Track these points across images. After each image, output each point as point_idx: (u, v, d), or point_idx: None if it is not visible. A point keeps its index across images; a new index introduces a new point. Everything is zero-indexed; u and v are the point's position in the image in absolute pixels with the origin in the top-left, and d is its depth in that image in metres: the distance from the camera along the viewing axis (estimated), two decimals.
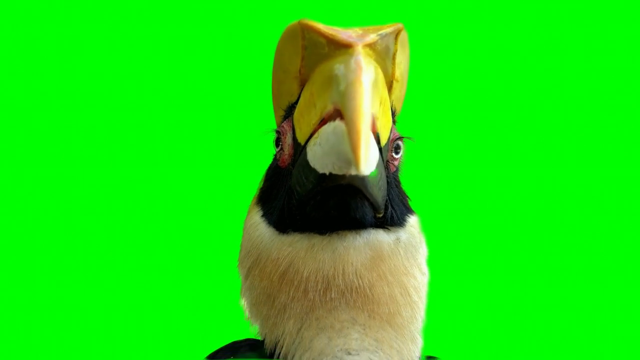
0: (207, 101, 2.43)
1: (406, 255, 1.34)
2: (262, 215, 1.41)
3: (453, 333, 2.25)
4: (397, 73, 1.33)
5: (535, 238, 2.45)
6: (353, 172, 1.16)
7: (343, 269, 1.29)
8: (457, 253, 2.34)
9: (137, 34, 2.47)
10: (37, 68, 2.45)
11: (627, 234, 2.46)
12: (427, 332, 1.49)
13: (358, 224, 1.30)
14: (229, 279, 1.56)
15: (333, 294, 1.30)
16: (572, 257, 2.45)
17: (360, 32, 1.24)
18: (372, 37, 1.22)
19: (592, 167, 2.50)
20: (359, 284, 1.29)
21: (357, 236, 1.31)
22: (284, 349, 1.37)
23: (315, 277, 1.30)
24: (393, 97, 1.36)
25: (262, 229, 1.39)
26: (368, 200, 1.27)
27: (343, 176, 1.19)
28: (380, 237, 1.32)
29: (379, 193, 1.28)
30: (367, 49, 1.21)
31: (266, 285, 1.37)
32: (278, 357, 1.38)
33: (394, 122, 1.38)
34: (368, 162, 1.08)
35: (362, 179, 1.20)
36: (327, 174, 1.20)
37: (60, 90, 2.46)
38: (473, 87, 2.47)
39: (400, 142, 1.38)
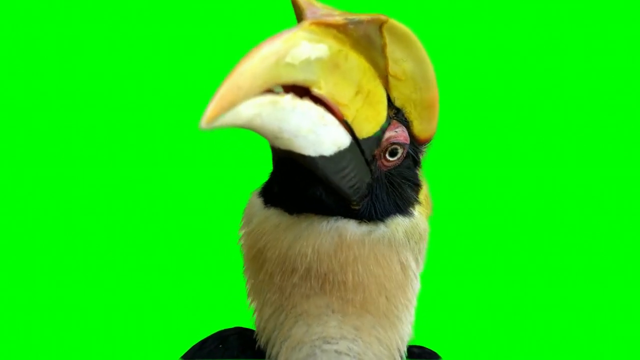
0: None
1: (379, 247, 1.30)
2: (263, 186, 1.40)
3: (454, 331, 2.22)
4: (397, 70, 1.26)
5: (536, 239, 2.40)
6: (280, 145, 1.16)
7: (302, 252, 1.27)
8: (459, 253, 2.31)
9: (137, 34, 2.52)
10: (33, 68, 2.52)
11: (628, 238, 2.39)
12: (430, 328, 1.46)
13: (325, 209, 1.28)
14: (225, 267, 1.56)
15: (296, 279, 1.28)
16: (572, 258, 2.40)
17: (337, 14, 1.21)
18: (334, 19, 1.18)
19: (589, 166, 2.46)
20: (320, 269, 1.27)
21: (324, 222, 1.28)
22: (264, 337, 1.36)
23: (277, 259, 1.29)
24: (395, 94, 1.29)
25: (254, 198, 1.39)
26: (323, 183, 1.23)
27: (277, 147, 1.19)
28: (349, 225, 1.29)
29: (342, 181, 1.24)
30: (333, 30, 1.17)
31: (246, 265, 1.38)
32: (260, 345, 1.37)
33: (405, 124, 1.32)
34: (215, 121, 1.04)
35: (303, 157, 1.18)
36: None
37: (59, 91, 2.52)
38: (473, 88, 2.44)
39: (398, 148, 1.31)
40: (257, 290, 1.36)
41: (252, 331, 1.43)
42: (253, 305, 1.40)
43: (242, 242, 1.39)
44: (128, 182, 2.43)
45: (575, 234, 2.42)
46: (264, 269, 1.32)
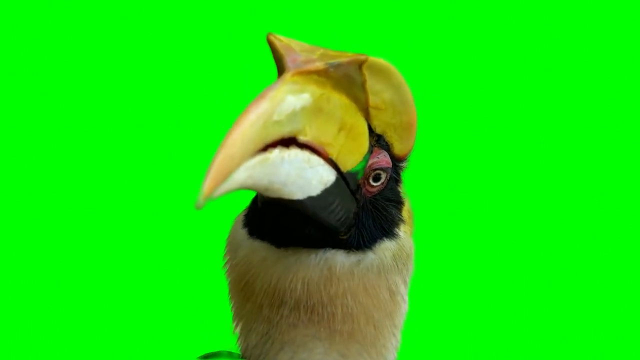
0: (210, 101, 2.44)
1: (368, 277, 1.31)
2: (246, 215, 1.40)
3: (448, 336, 2.24)
4: (377, 101, 1.26)
5: (534, 241, 2.43)
6: (269, 195, 1.16)
7: (292, 287, 1.27)
8: (455, 256, 2.33)
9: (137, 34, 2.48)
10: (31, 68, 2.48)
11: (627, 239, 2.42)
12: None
13: (313, 242, 1.28)
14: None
15: (285, 311, 1.29)
16: (572, 260, 2.43)
17: (316, 57, 1.20)
18: (315, 65, 1.16)
19: (589, 167, 2.48)
20: (309, 302, 1.27)
21: (313, 255, 1.28)
22: None
23: (266, 292, 1.29)
24: (376, 123, 1.29)
25: (237, 227, 1.39)
26: (312, 219, 1.24)
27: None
28: (337, 257, 1.29)
29: (330, 216, 1.24)
30: (314, 76, 1.17)
31: (231, 294, 1.38)
32: None
33: (385, 149, 1.33)
34: (211, 195, 1.02)
35: (292, 201, 1.17)
36: None
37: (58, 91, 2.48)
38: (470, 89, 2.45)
39: (381, 173, 1.32)
40: (244, 318, 1.36)
41: (237, 355, 1.42)
42: (238, 330, 1.40)
43: (227, 272, 1.39)
44: (122, 187, 2.42)
45: (561, 245, 2.45)
46: (252, 300, 1.32)
